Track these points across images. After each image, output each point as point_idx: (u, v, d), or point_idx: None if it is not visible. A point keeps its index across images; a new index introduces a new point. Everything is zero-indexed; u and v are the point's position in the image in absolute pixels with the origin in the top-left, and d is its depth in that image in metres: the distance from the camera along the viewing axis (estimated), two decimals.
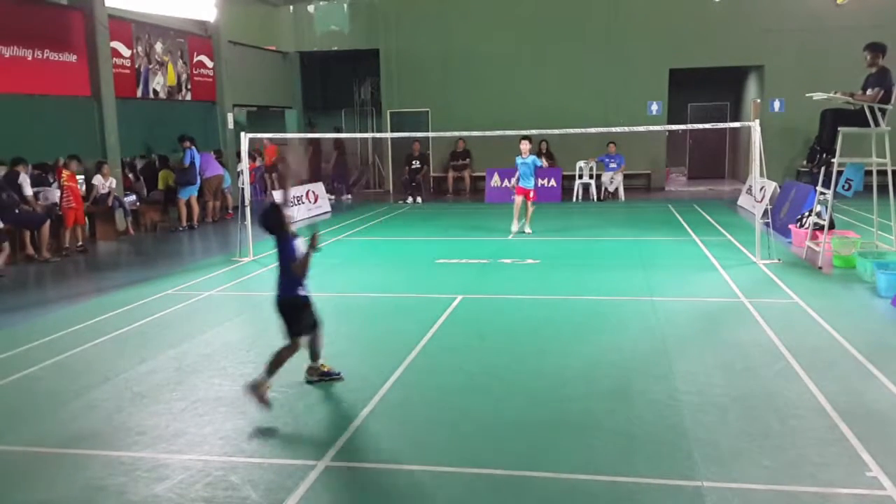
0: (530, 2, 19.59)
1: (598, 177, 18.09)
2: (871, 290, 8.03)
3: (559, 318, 7.38)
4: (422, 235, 13.26)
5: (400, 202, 18.16)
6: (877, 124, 8.97)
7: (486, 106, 19.40)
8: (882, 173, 9.39)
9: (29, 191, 10.99)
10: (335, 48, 21.19)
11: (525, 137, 12.60)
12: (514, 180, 12.91)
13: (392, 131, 19.33)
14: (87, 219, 12.43)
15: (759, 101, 19.32)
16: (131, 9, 14.61)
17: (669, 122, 19.17)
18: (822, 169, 9.55)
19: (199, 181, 14.51)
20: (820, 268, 9.15)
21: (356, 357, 6.25)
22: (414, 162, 18.82)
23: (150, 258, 11.46)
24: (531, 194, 12.75)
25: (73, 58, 13.03)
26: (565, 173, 18.34)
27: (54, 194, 11.84)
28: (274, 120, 20.86)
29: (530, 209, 12.76)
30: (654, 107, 19.48)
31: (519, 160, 12.65)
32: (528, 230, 12.62)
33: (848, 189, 9.23)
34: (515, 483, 4.04)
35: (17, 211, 10.85)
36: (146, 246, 12.70)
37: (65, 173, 11.69)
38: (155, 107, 15.37)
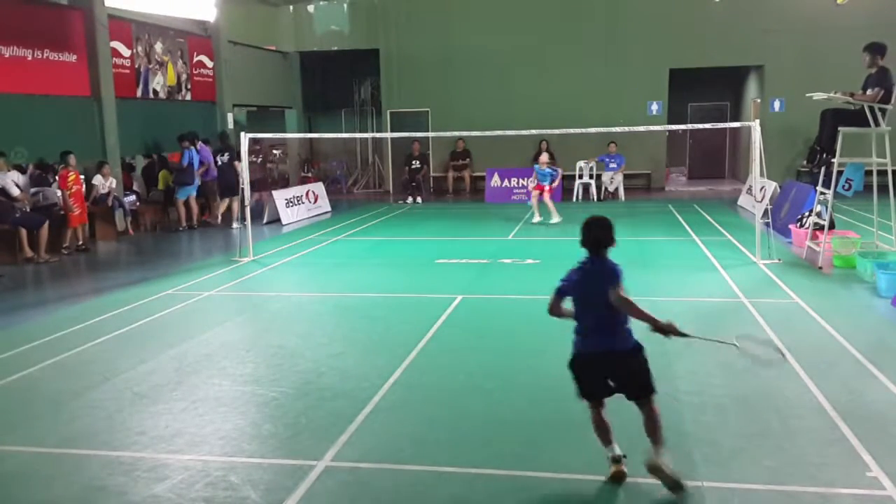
0: (530, 2, 19.59)
1: (599, 177, 18.09)
2: (871, 290, 8.03)
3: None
4: (422, 235, 13.26)
5: (400, 202, 18.15)
6: (877, 124, 8.96)
7: (486, 106, 19.39)
8: (882, 173, 9.38)
9: (15, 190, 10.86)
10: (335, 48, 21.18)
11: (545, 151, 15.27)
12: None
13: (392, 131, 19.32)
14: (87, 218, 12.39)
15: (759, 101, 19.32)
16: (131, 9, 14.61)
17: (669, 122, 19.16)
18: (823, 169, 9.55)
19: (197, 181, 14.52)
20: (820, 268, 9.15)
21: (356, 357, 6.25)
22: (414, 162, 18.82)
23: (149, 258, 11.45)
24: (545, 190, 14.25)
25: (73, 58, 13.03)
26: (565, 173, 18.29)
27: (54, 194, 11.83)
28: (274, 120, 20.85)
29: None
30: (654, 107, 19.47)
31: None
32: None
33: (848, 189, 9.22)
34: (515, 483, 4.04)
35: (17, 215, 10.84)
36: (146, 246, 12.70)
37: (70, 176, 11.64)
38: (155, 107, 15.37)
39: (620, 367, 4.00)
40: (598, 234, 4.02)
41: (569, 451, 4.39)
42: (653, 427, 3.95)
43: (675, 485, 3.84)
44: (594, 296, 3.96)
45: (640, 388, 3.98)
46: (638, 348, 4.04)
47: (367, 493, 3.98)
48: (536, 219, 14.09)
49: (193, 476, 4.16)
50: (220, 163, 14.55)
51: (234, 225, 14.21)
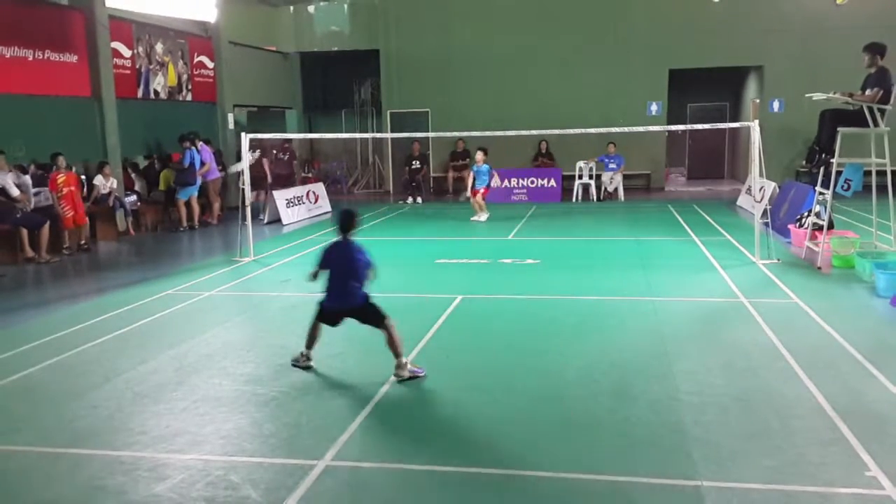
0: (530, 2, 19.60)
1: (598, 177, 18.10)
2: (870, 290, 8.04)
3: (559, 318, 7.39)
4: (422, 235, 13.27)
5: (400, 202, 18.17)
6: (876, 124, 8.97)
7: (486, 106, 19.41)
8: (881, 173, 9.40)
9: (14, 191, 10.84)
10: (335, 48, 21.19)
11: (481, 149, 14.89)
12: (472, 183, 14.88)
13: (392, 131, 19.33)
14: (87, 219, 12.38)
15: (758, 101, 19.33)
16: (132, 9, 14.63)
17: (669, 123, 19.19)
18: (822, 169, 9.56)
19: (198, 181, 14.53)
20: (819, 268, 9.16)
21: (356, 357, 6.26)
22: (414, 162, 18.82)
23: (150, 258, 11.46)
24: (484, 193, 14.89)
25: (74, 58, 13.04)
26: (565, 173, 18.35)
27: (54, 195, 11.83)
28: (274, 120, 20.86)
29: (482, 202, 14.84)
30: (654, 107, 19.48)
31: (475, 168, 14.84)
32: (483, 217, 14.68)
33: (847, 189, 9.23)
34: (515, 483, 4.05)
35: (18, 215, 10.84)
36: (147, 246, 12.71)
37: (59, 178, 11.55)
38: (155, 107, 15.38)
39: (359, 314, 5.70)
40: (344, 222, 5.67)
41: (569, 450, 4.40)
42: (392, 343, 5.60)
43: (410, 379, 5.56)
44: (343, 268, 5.60)
45: (375, 321, 5.66)
46: (367, 299, 5.70)
47: (367, 493, 3.99)
48: (483, 217, 14.68)
49: (194, 476, 4.17)
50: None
51: (259, 216, 14.72)
